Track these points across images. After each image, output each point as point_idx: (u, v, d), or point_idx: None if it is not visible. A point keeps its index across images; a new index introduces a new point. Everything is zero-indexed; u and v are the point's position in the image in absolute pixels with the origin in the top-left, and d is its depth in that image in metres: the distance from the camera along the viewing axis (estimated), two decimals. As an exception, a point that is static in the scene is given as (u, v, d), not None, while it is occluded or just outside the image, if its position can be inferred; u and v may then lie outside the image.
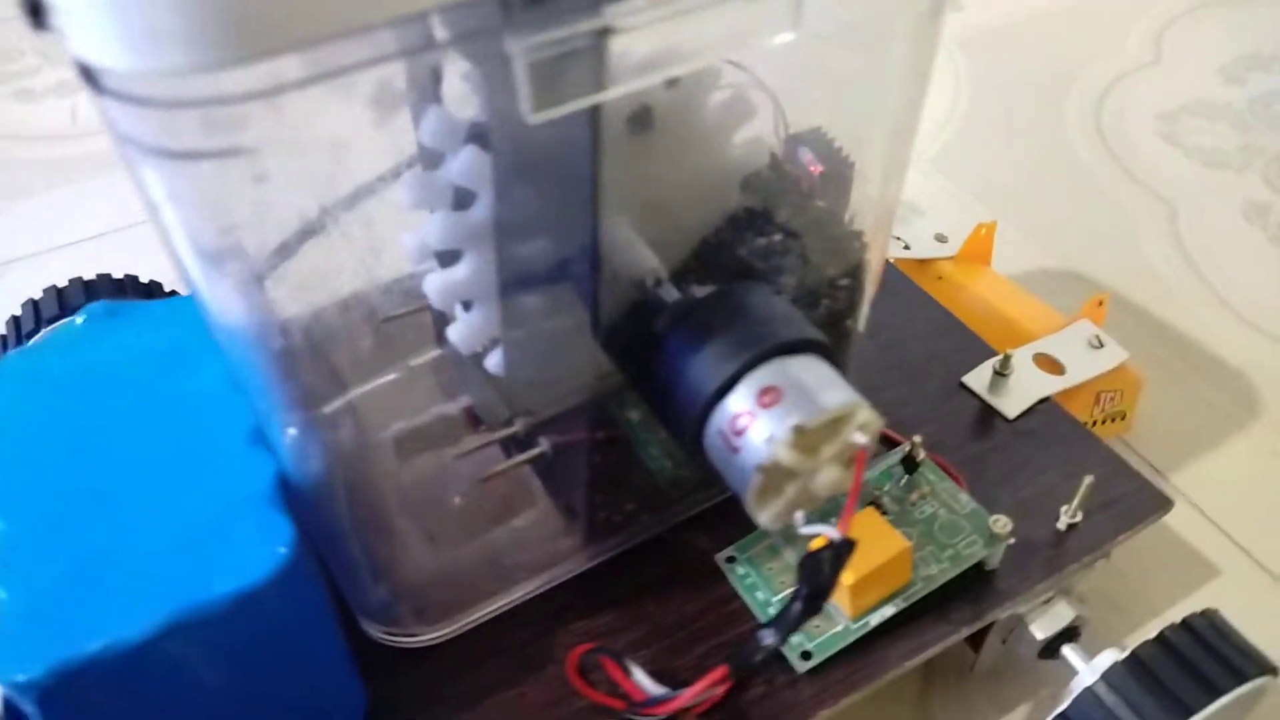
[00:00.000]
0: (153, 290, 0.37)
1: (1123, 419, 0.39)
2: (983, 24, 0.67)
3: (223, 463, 0.22)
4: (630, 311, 0.24)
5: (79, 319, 0.25)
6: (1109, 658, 0.27)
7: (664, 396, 0.22)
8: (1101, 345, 0.37)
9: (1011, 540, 0.28)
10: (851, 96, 0.27)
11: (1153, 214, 0.52)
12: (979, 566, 0.28)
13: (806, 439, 0.20)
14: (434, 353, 0.30)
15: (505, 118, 0.19)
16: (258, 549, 0.20)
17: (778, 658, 0.26)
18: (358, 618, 0.26)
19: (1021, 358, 0.35)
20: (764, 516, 0.21)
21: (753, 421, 0.20)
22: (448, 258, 0.24)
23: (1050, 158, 0.56)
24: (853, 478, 0.21)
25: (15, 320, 0.35)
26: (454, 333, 0.25)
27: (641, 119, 0.23)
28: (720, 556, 0.29)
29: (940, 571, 0.27)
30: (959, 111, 0.60)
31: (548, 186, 0.21)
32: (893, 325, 0.37)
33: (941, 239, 0.42)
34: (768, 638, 0.21)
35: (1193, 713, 0.25)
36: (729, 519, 0.28)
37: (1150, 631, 0.27)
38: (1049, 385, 0.34)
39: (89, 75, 0.14)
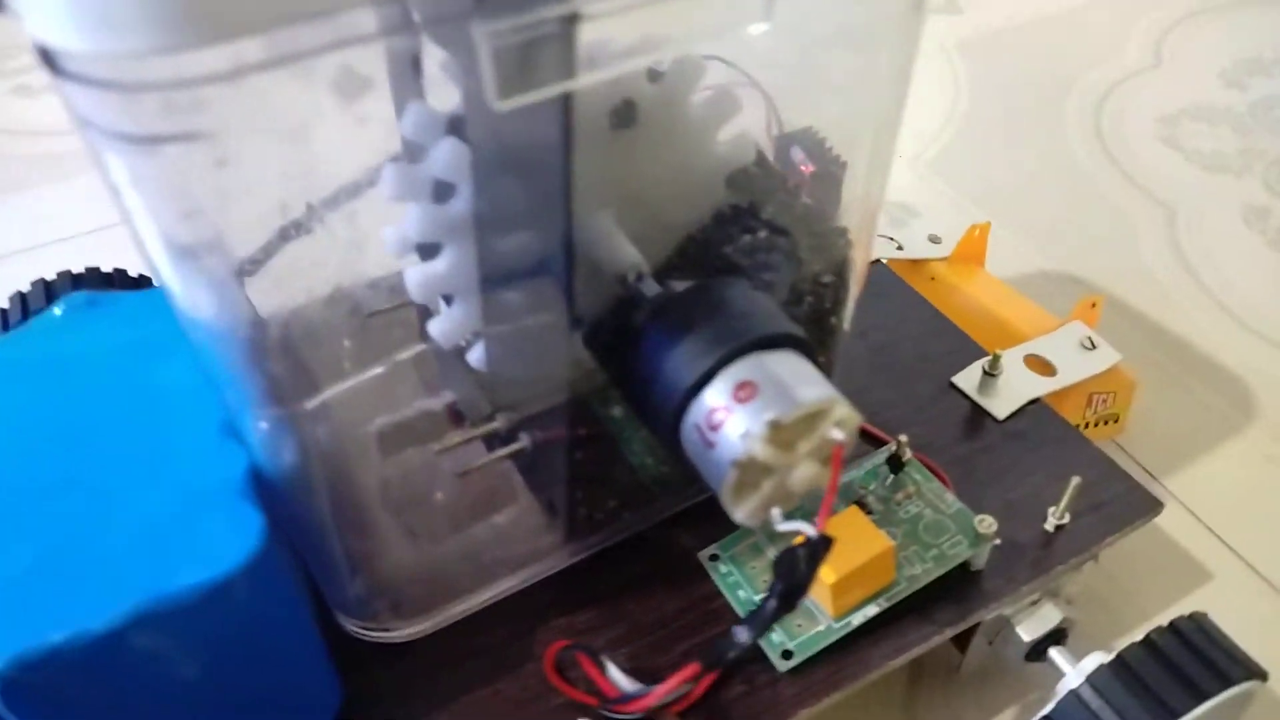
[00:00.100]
0: (141, 285, 0.37)
1: (1116, 421, 0.39)
2: (982, 27, 0.67)
3: (194, 454, 0.21)
4: (611, 306, 0.24)
5: (57, 309, 0.25)
6: (1095, 660, 0.27)
7: (641, 391, 0.22)
8: (1094, 347, 0.36)
9: (997, 541, 0.28)
10: (834, 93, 0.27)
11: (1151, 217, 0.52)
12: (964, 567, 0.28)
13: (783, 434, 0.20)
14: (418, 348, 0.29)
15: (480, 108, 0.19)
16: (227, 540, 0.20)
17: (759, 656, 0.26)
18: (334, 612, 0.26)
19: (1012, 359, 0.35)
20: (740, 512, 0.21)
21: (728, 416, 0.20)
22: (428, 251, 0.24)
23: (1049, 161, 0.56)
24: (830, 474, 0.21)
25: (3, 313, 0.35)
26: (435, 327, 0.24)
27: (624, 113, 0.23)
28: (703, 554, 0.29)
29: (924, 571, 0.27)
30: (958, 114, 0.60)
31: (526, 179, 0.21)
32: (884, 326, 0.36)
33: (935, 240, 0.42)
34: (742, 634, 0.21)
35: (1178, 716, 0.25)
36: (712, 517, 0.27)
37: (1140, 635, 0.27)
38: (1039, 386, 0.34)
39: (47, 57, 0.14)
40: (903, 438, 0.30)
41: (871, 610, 0.26)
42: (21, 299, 0.35)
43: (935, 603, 0.27)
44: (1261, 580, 0.35)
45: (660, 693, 0.23)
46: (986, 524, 0.27)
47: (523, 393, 0.26)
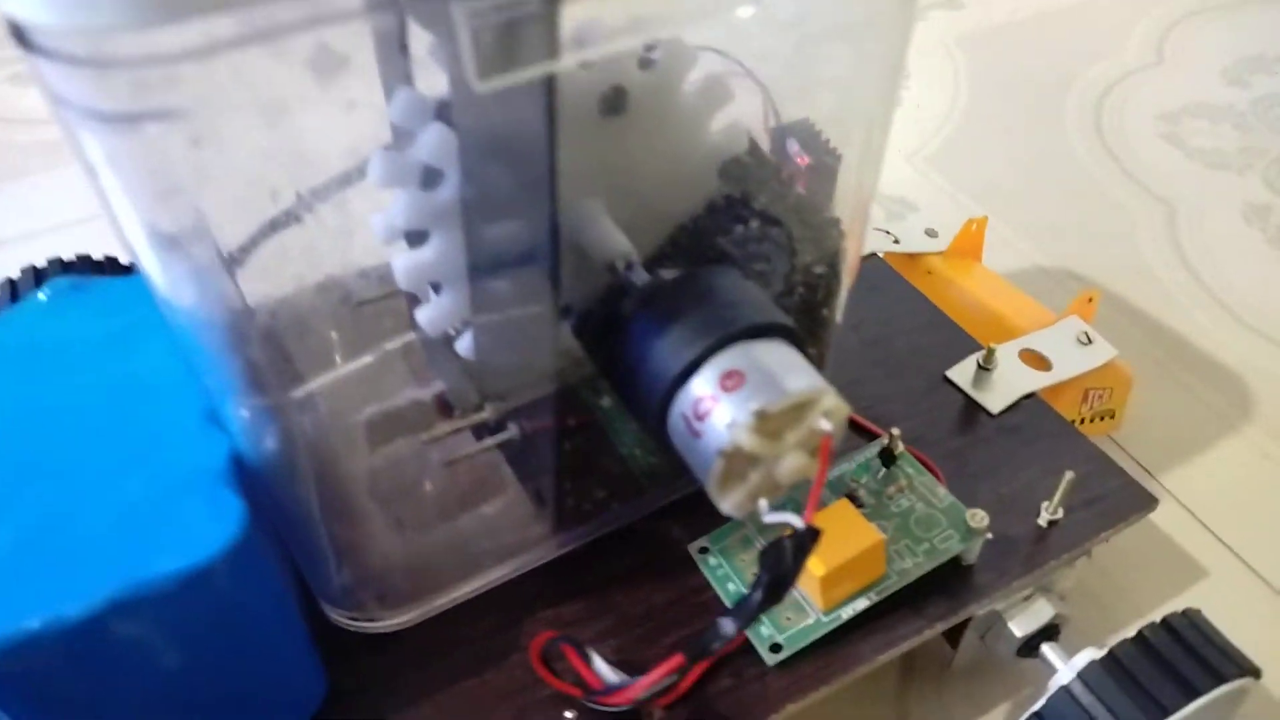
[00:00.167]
0: (131, 272, 0.37)
1: (1112, 417, 0.38)
2: (983, 22, 0.67)
3: (176, 440, 0.21)
4: (601, 295, 0.24)
5: (42, 294, 0.25)
6: (1087, 656, 0.26)
7: (628, 380, 0.22)
8: (1090, 342, 0.36)
9: (989, 535, 0.27)
10: (827, 85, 0.27)
11: (1151, 214, 0.52)
12: (956, 561, 0.28)
13: (769, 424, 0.20)
14: (407, 337, 0.29)
15: (466, 91, 0.19)
16: (207, 527, 0.20)
17: (747, 649, 0.26)
18: (319, 602, 0.26)
19: (1007, 353, 0.34)
20: (727, 503, 0.21)
21: (715, 405, 0.20)
22: (416, 238, 0.23)
23: (1049, 157, 0.56)
24: (818, 465, 0.21)
25: (-8, 300, 0.35)
26: (422, 315, 0.24)
27: (614, 101, 0.23)
28: (693, 547, 0.28)
29: (915, 565, 0.27)
30: (958, 109, 0.59)
31: (512, 165, 0.21)
32: (878, 319, 0.36)
33: (932, 234, 0.42)
34: (727, 626, 0.21)
35: (1169, 713, 0.25)
36: (702, 509, 0.27)
37: (1133, 631, 0.27)
38: (1034, 381, 0.34)
39: (19, 33, 0.13)
40: (895, 431, 0.29)
41: (862, 604, 0.26)
42: (11, 285, 0.35)
43: (926, 597, 0.27)
44: (1257, 578, 0.35)
45: (644, 684, 0.22)
46: (978, 518, 0.27)
47: (511, 382, 0.26)
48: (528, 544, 0.27)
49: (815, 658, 0.26)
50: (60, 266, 0.35)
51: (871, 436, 0.31)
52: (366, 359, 0.28)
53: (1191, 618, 0.27)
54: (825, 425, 0.20)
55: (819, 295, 0.27)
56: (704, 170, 0.25)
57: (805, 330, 0.25)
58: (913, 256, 0.42)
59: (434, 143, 0.21)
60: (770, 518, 0.21)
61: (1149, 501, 0.30)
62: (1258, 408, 0.41)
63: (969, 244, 0.42)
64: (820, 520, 0.23)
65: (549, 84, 0.18)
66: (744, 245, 0.26)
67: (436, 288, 0.24)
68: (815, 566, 0.25)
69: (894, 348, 0.35)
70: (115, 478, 0.21)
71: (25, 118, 0.58)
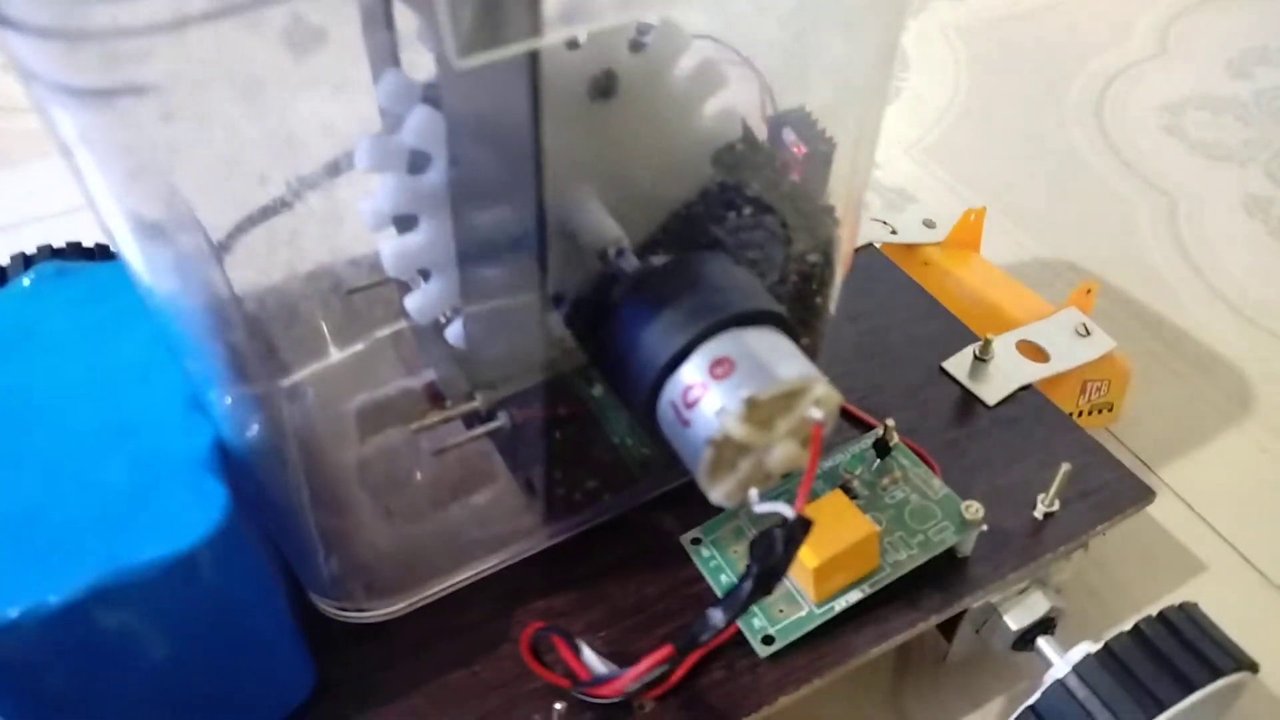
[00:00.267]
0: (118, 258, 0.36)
1: (1110, 410, 0.38)
2: (984, 12, 0.66)
3: (158, 426, 0.21)
4: (591, 283, 0.24)
5: (26, 279, 0.24)
6: (1083, 650, 0.26)
7: (618, 367, 0.22)
8: (1088, 333, 0.36)
9: (984, 527, 0.27)
10: (821, 72, 0.26)
11: (1152, 206, 0.51)
12: (951, 554, 0.27)
13: (760, 412, 0.20)
14: (397, 325, 0.29)
15: (451, 72, 0.19)
16: (190, 514, 0.20)
17: (739, 641, 0.26)
18: (308, 592, 0.26)
19: (1004, 344, 0.34)
20: (717, 493, 0.21)
21: (704, 393, 0.20)
22: (404, 223, 0.23)
23: (1049, 148, 0.55)
24: (809, 455, 0.21)
25: (-19, 287, 0.34)
26: (411, 302, 0.24)
27: (604, 84, 0.22)
28: (685, 538, 0.28)
29: (909, 557, 0.27)
30: (958, 100, 0.59)
31: (499, 148, 0.21)
32: (875, 310, 0.36)
33: (930, 224, 0.42)
34: (716, 617, 0.21)
35: (1165, 707, 0.24)
36: (694, 500, 0.27)
37: (1130, 625, 0.26)
38: (1031, 372, 0.33)
39: (-14, 4, 0.13)
40: (890, 422, 0.29)
41: (855, 596, 0.26)
42: (1, 272, 0.34)
43: (921, 589, 0.27)
44: (1255, 571, 0.35)
45: (633, 675, 0.22)
46: (973, 510, 0.27)
47: (502, 371, 0.26)
48: (518, 534, 0.27)
49: (808, 650, 0.26)
50: (50, 253, 0.35)
51: (866, 427, 0.31)
52: (357, 347, 0.28)
53: (1188, 611, 0.27)
54: (816, 414, 0.20)
55: (813, 284, 0.27)
56: (696, 156, 0.25)
57: (798, 319, 0.25)
58: (910, 247, 0.41)
59: (420, 126, 0.21)
60: (761, 508, 0.20)
61: (1146, 494, 0.30)
62: (1256, 401, 0.41)
63: (967, 235, 0.42)
64: (813, 511, 0.23)
65: (533, 62, 0.17)
66: (737, 233, 0.25)
67: (426, 274, 0.24)
68: (808, 558, 0.25)
69: (890, 339, 0.35)
70: (97, 464, 0.20)
71: (17, 105, 0.58)
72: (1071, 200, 0.52)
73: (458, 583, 0.27)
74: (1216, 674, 0.25)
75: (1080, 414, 0.37)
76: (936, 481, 0.28)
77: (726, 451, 0.20)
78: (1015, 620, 0.28)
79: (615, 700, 0.24)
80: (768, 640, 0.25)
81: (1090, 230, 0.50)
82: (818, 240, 0.26)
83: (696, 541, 0.28)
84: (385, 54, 0.22)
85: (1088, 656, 0.26)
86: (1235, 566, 0.35)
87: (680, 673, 0.25)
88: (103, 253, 0.36)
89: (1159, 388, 0.41)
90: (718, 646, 0.25)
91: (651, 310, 0.21)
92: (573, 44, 0.21)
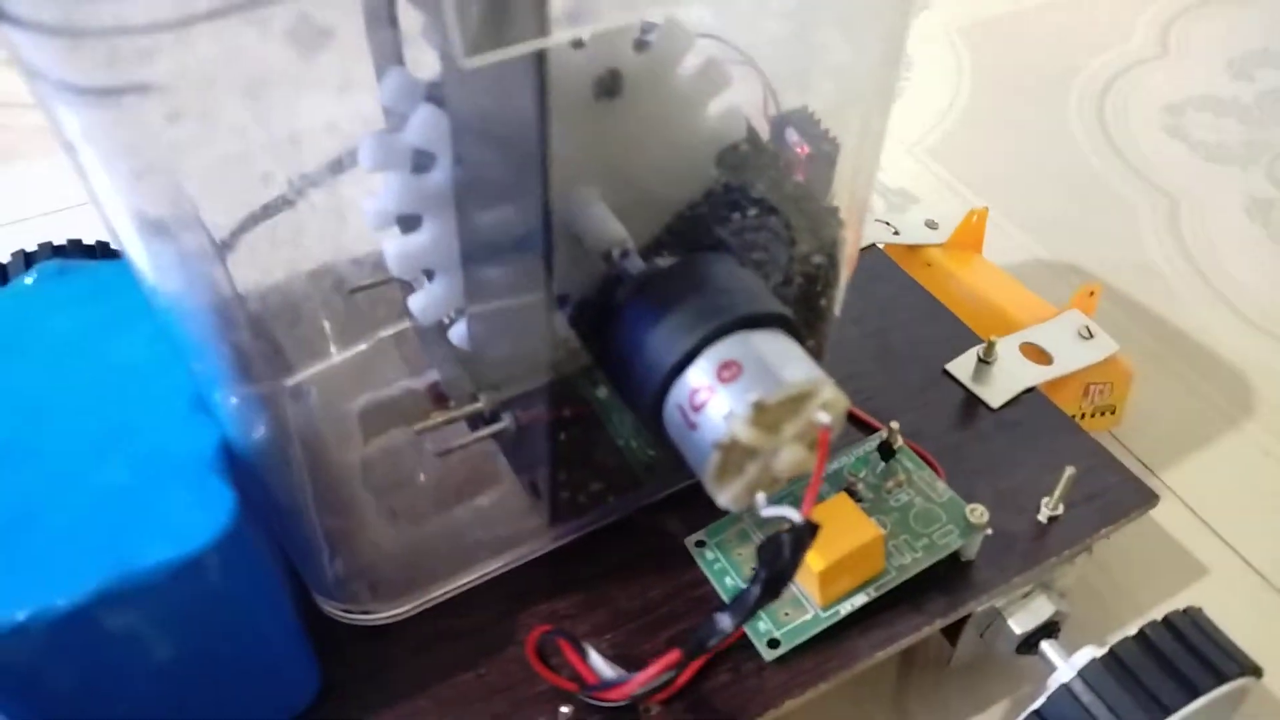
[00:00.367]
0: (120, 257, 0.36)
1: (1113, 413, 0.38)
2: (987, 12, 0.66)
3: (164, 427, 0.21)
4: (596, 284, 0.23)
5: (29, 278, 0.24)
6: (1087, 654, 0.26)
7: (623, 370, 0.22)
8: (1091, 336, 0.36)
9: (989, 531, 0.27)
10: (826, 73, 0.26)
11: (1154, 208, 0.51)
12: (955, 557, 0.27)
13: (767, 416, 0.20)
14: (400, 325, 0.29)
15: (456, 71, 0.19)
16: (197, 516, 0.20)
17: (745, 645, 0.26)
18: (313, 594, 0.26)
19: (1007, 346, 0.34)
20: (724, 497, 0.21)
21: (712, 397, 0.20)
22: (408, 223, 0.23)
23: (1051, 149, 0.55)
24: (816, 458, 0.21)
25: (-18, 285, 0.34)
26: (415, 303, 0.24)
27: (609, 83, 0.22)
28: (689, 540, 0.28)
29: (914, 561, 0.27)
30: (960, 101, 0.59)
31: (504, 148, 0.21)
32: (877, 311, 0.36)
33: (932, 225, 0.42)
34: (724, 621, 0.21)
35: (1171, 712, 0.24)
36: (698, 502, 0.27)
37: (1134, 629, 0.26)
38: (1035, 375, 0.33)
39: (-10, 1, 0.13)
40: (894, 424, 0.29)
41: (860, 599, 0.26)
42: (2, 270, 0.34)
43: (925, 593, 0.27)
44: (1257, 575, 0.35)
45: (641, 679, 0.22)
46: (978, 513, 0.27)
47: (506, 372, 0.26)
48: (523, 536, 0.27)
49: (814, 654, 0.26)
50: (51, 251, 0.35)
51: (870, 430, 0.31)
52: (360, 347, 0.28)
53: (1193, 616, 0.27)
54: (824, 418, 0.20)
55: (817, 285, 0.27)
56: (701, 157, 0.25)
57: (803, 321, 0.25)
58: (912, 248, 0.41)
59: (425, 125, 0.21)
60: (768, 512, 0.20)
61: (1150, 498, 0.30)
62: (1259, 404, 0.41)
63: (969, 236, 0.42)
64: (818, 514, 0.23)
65: (540, 61, 0.17)
66: (741, 234, 0.25)
67: (430, 274, 0.24)
68: (814, 561, 0.25)
69: (893, 340, 0.35)
70: (103, 465, 0.20)
71: (20, 102, 0.58)
72: (1073, 201, 0.52)
73: (462, 585, 0.26)
74: (1221, 679, 0.25)
75: (1083, 416, 0.37)
76: (941, 484, 0.28)
77: (734, 455, 0.20)
78: (1019, 624, 0.28)
79: (621, 704, 0.24)
80: (773, 644, 0.25)
81: (1091, 231, 0.50)
82: (822, 242, 0.26)
83: (701, 544, 0.28)
84: (389, 52, 0.22)
85: (1093, 661, 0.25)
86: (1237, 570, 0.35)
87: (686, 676, 0.24)
88: (104, 250, 0.36)
89: (1160, 390, 0.41)
90: (723, 650, 0.25)
91: (657, 312, 0.21)
92: (577, 43, 0.21)
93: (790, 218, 0.26)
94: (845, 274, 0.27)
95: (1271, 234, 0.50)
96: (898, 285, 0.37)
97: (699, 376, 0.20)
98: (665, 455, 0.28)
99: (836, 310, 0.28)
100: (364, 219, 0.24)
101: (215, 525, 0.19)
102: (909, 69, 0.61)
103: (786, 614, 0.26)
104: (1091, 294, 0.38)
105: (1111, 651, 0.26)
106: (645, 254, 0.23)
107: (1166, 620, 0.26)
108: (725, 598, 0.27)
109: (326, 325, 0.27)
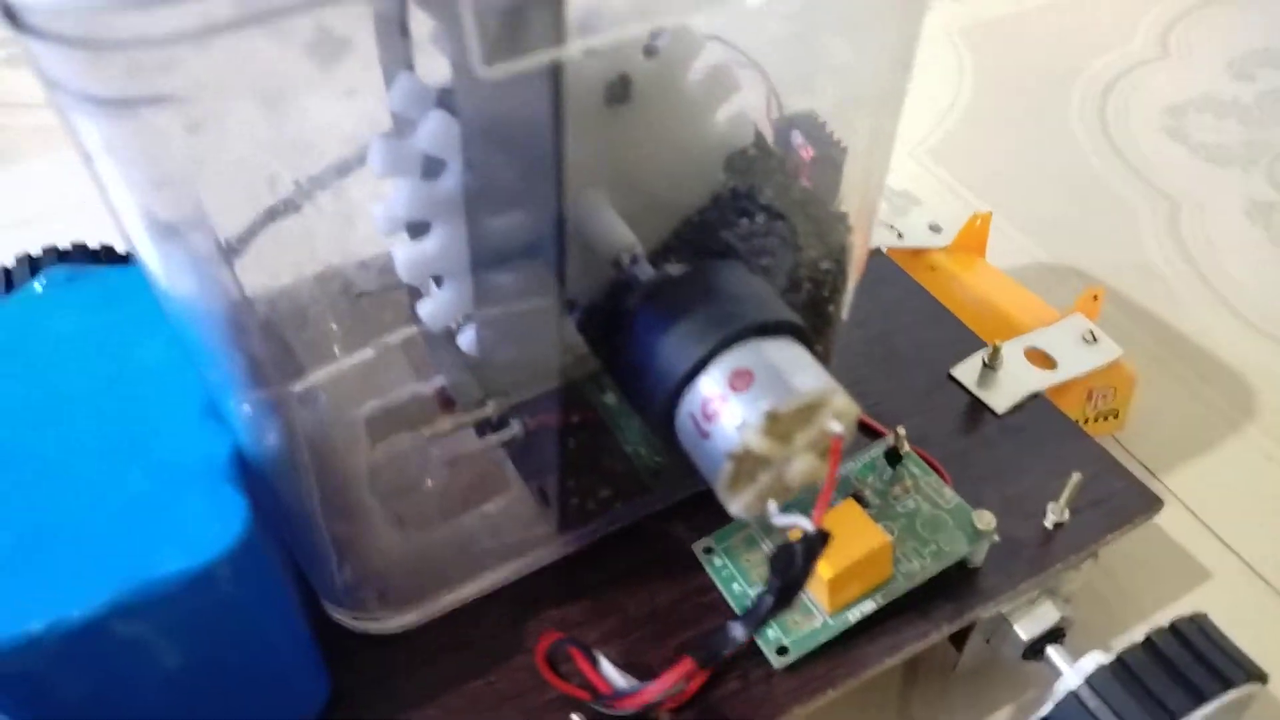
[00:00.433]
0: (128, 261, 0.36)
1: (1115, 417, 0.38)
2: (987, 13, 0.66)
3: (176, 436, 0.21)
4: (606, 290, 0.23)
5: (38, 285, 0.24)
6: (1093, 660, 0.26)
7: (634, 378, 0.22)
8: (1095, 340, 0.36)
9: (996, 538, 0.27)
10: (835, 76, 0.26)
11: (1154, 210, 0.51)
12: (962, 564, 0.27)
13: (780, 425, 0.20)
14: (408, 330, 0.29)
15: (469, 78, 0.18)
16: (211, 526, 0.19)
17: (754, 652, 0.26)
18: (322, 602, 0.25)
19: (1012, 351, 0.34)
20: (736, 505, 0.21)
21: (724, 406, 0.20)
22: (417, 229, 0.23)
23: (1052, 151, 0.55)
24: (828, 467, 0.21)
25: (-13, 290, 0.34)
26: (424, 309, 0.24)
27: (618, 89, 0.22)
28: (697, 546, 0.28)
29: (922, 568, 0.27)
30: (961, 102, 0.59)
31: (517, 155, 0.20)
32: (881, 315, 0.36)
33: (936, 229, 0.42)
34: (737, 630, 0.21)
35: (1178, 718, 0.24)
36: (706, 508, 0.27)
37: (1138, 635, 0.26)
38: (1040, 380, 0.33)
39: (9, 12, 0.13)
40: (901, 430, 0.29)
41: (869, 606, 0.26)
42: (6, 274, 0.34)
43: (932, 600, 0.27)
44: (1260, 580, 0.35)
45: (655, 690, 0.22)
46: (986, 520, 0.27)
47: (514, 378, 0.26)
48: (531, 544, 0.27)
49: (822, 661, 0.26)
50: (56, 255, 0.35)
51: (876, 435, 0.31)
52: (367, 352, 0.28)
53: (1199, 623, 0.27)
54: (836, 427, 0.20)
55: (825, 291, 0.27)
56: (709, 162, 0.25)
57: (811, 327, 0.25)
58: (916, 252, 0.41)
59: (436, 131, 0.21)
60: (780, 520, 0.20)
61: (1154, 503, 0.30)
62: (1260, 407, 0.41)
63: (973, 239, 0.42)
64: (827, 522, 0.23)
65: (555, 70, 0.17)
66: (749, 239, 0.25)
67: (438, 280, 0.23)
68: (823, 569, 0.25)
69: (897, 344, 0.35)
70: (115, 474, 0.20)
71: (20, 102, 0.58)
72: (1073, 203, 0.52)
73: (471, 593, 0.26)
74: (1228, 685, 0.25)
75: (1086, 421, 0.37)
76: (948, 491, 0.28)
77: (746, 464, 0.20)
78: (1026, 630, 0.28)
79: (633, 713, 0.24)
80: (782, 651, 0.25)
81: (1092, 233, 0.50)
82: (830, 248, 0.26)
83: (709, 550, 0.28)
84: (398, 57, 0.22)
85: (1100, 668, 0.26)
86: (1239, 574, 0.35)
87: (696, 684, 0.24)
88: (108, 254, 0.36)
89: (1161, 393, 0.41)
90: (732, 657, 0.25)
91: (668, 320, 0.21)
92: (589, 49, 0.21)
93: (798, 223, 0.26)
94: (854, 279, 0.27)
95: (1272, 236, 0.50)
96: (902, 289, 0.37)
97: (711, 385, 0.20)
98: (673, 462, 0.28)
99: (844, 315, 0.28)
100: (373, 224, 0.24)
101: (229, 535, 0.19)
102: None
103: (795, 621, 0.26)
104: (1095, 298, 0.38)
105: (1119, 658, 0.26)
106: (653, 259, 0.23)
107: (1173, 627, 0.26)
108: (733, 603, 0.27)
109: (334, 329, 0.27)
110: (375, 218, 0.24)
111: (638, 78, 0.22)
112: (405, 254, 0.23)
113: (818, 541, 0.20)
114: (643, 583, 0.27)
